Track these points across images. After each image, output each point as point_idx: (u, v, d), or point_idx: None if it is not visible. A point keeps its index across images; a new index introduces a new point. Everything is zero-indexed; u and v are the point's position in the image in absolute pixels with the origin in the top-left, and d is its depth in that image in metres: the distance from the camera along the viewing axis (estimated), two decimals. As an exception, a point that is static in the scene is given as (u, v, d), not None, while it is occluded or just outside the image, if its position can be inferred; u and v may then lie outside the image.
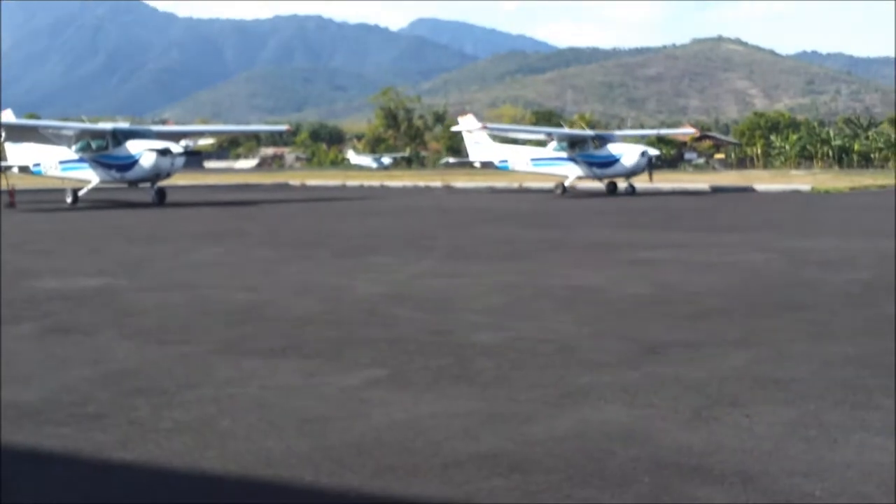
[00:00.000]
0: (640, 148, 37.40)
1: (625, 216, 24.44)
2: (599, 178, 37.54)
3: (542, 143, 40.26)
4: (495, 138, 42.64)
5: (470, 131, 43.22)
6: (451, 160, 46.54)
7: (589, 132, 41.97)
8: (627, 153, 35.95)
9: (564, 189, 36.42)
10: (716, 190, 39.32)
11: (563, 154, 37.64)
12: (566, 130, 42.29)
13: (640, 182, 37.09)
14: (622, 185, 37.28)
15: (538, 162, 39.61)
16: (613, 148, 36.54)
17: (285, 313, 8.94)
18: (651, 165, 35.91)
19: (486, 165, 43.35)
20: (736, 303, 9.43)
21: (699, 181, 44.91)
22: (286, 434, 5.02)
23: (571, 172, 37.16)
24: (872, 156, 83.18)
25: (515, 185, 46.10)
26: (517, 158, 41.01)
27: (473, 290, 10.42)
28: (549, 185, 43.16)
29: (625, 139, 40.10)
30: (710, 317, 8.60)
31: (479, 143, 42.96)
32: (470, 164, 45.92)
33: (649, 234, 18.58)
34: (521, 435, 4.99)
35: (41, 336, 7.91)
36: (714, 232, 18.95)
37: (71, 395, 5.88)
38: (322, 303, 9.58)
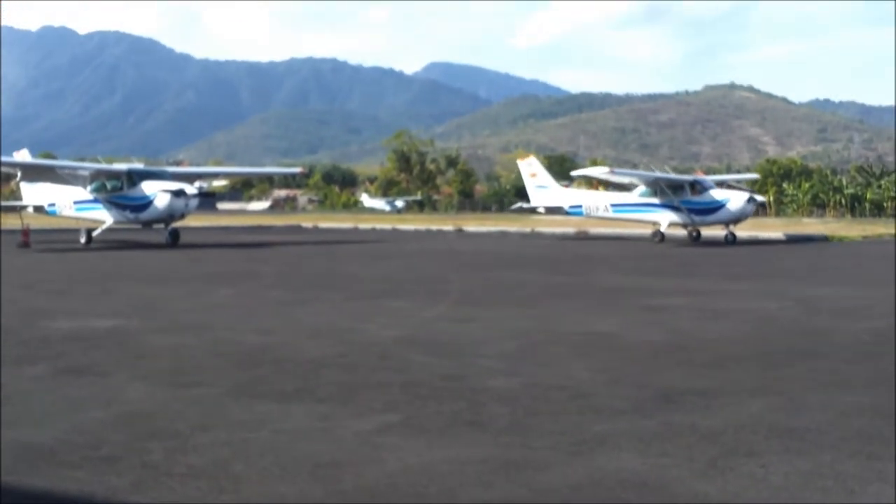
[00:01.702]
0: (747, 193, 36.17)
1: (633, 262, 24.41)
2: (698, 226, 35.97)
3: (625, 188, 38.77)
4: (556, 181, 41.47)
5: (534, 175, 41.81)
6: (524, 205, 43.78)
7: (687, 177, 40.17)
8: (734, 199, 34.74)
9: (663, 236, 35.16)
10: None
11: (654, 199, 36.24)
12: (671, 175, 39.85)
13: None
14: (720, 232, 35.54)
15: (620, 208, 38.15)
16: (718, 193, 35.38)
17: (298, 356, 8.94)
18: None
19: (553, 211, 41.61)
20: (750, 351, 9.39)
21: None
22: (300, 479, 5.00)
23: (664, 219, 35.79)
24: (885, 204, 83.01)
25: (528, 229, 46.15)
26: (594, 204, 39.35)
27: (487, 335, 10.41)
28: (568, 229, 43.32)
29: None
30: (725, 365, 8.56)
31: (545, 187, 41.43)
32: (532, 210, 43.76)
33: (660, 280, 18.54)
34: (536, 483, 4.96)
35: (55, 377, 7.92)
36: (739, 279, 18.90)
37: (84, 437, 5.88)
38: (335, 346, 9.58)
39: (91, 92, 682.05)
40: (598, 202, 39.44)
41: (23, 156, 36.44)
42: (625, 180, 38.01)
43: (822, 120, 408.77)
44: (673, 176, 40.10)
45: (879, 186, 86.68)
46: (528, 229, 46.18)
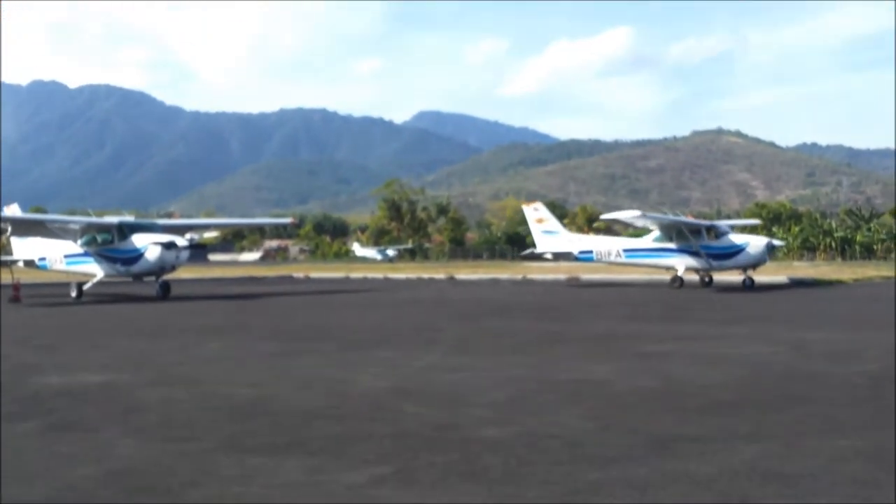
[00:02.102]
0: (765, 238, 36.31)
1: (628, 307, 24.43)
2: (716, 270, 35.99)
3: (637, 234, 39.19)
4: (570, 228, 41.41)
5: (540, 220, 41.39)
6: (533, 251, 42.97)
7: (704, 221, 40.27)
8: (753, 243, 34.83)
9: (682, 282, 35.09)
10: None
11: (669, 245, 36.16)
12: (695, 220, 39.80)
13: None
14: (737, 277, 35.57)
15: (634, 253, 38.05)
16: (736, 238, 35.44)
17: (289, 408, 8.89)
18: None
19: (561, 257, 41.37)
20: (743, 396, 9.38)
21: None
22: (291, 534, 4.95)
23: (681, 264, 35.78)
24: (875, 247, 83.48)
25: (519, 276, 46.24)
26: (606, 249, 39.11)
27: (479, 384, 10.37)
28: (560, 276, 43.33)
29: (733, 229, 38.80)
30: (718, 411, 8.55)
31: (553, 232, 41.15)
32: (539, 257, 43.58)
33: (652, 325, 18.55)
34: (530, 534, 4.92)
35: (45, 433, 7.85)
36: (725, 324, 18.92)
37: (74, 494, 5.83)
38: (326, 397, 9.53)
39: (81, 145, 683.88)
40: (609, 248, 39.15)
41: (13, 210, 36.44)
42: (653, 225, 37.56)
43: (810, 164, 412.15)
44: (693, 221, 40.04)
45: (869, 229, 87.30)
46: (519, 276, 46.28)
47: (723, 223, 40.02)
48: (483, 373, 11.39)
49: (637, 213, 38.10)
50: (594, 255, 39.12)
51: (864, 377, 10.69)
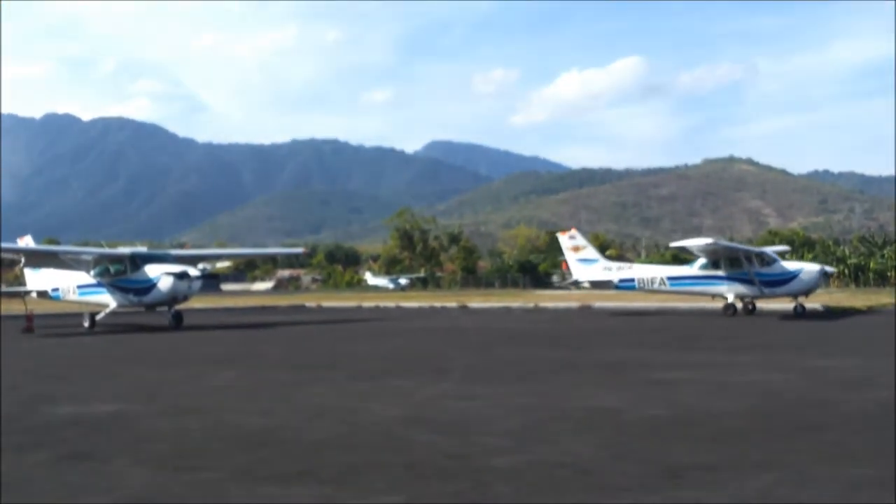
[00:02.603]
0: (818, 265, 35.87)
1: (637, 335, 24.33)
2: (768, 297, 35.31)
3: (685, 260, 38.52)
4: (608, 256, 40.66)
5: (577, 248, 40.45)
6: (570, 280, 42.14)
7: (753, 248, 39.52)
8: (806, 269, 34.54)
9: (735, 309, 34.51)
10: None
11: (717, 272, 35.60)
12: (760, 249, 38.78)
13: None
14: (788, 304, 34.65)
15: (678, 282, 37.40)
16: (789, 265, 35.03)
17: (301, 437, 8.89)
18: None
19: (599, 286, 40.49)
20: (755, 424, 9.32)
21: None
22: (302, 564, 4.93)
23: (731, 291, 35.12)
24: (889, 273, 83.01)
25: (531, 304, 46.17)
26: (649, 277, 38.39)
27: (491, 413, 10.34)
28: (572, 304, 43.21)
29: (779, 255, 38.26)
30: (729, 439, 8.49)
31: (591, 260, 40.16)
32: (575, 284, 42.62)
33: (663, 353, 18.47)
34: (541, 564, 4.89)
35: (57, 463, 7.86)
36: (732, 352, 18.82)
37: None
38: (338, 426, 9.52)
39: (95, 178, 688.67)
40: (653, 276, 38.50)
41: (26, 242, 36.70)
42: (723, 252, 36.49)
43: (822, 191, 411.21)
44: (755, 248, 39.59)
45: (882, 256, 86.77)
46: (531, 305, 46.18)
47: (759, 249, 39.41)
48: (495, 401, 11.35)
49: (709, 240, 37.31)
50: (636, 284, 38.41)
51: (877, 404, 10.60)
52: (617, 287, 39.37)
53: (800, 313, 33.36)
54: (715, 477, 6.87)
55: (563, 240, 41.42)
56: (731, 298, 34.92)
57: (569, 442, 8.45)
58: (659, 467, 7.22)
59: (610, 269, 39.91)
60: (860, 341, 21.49)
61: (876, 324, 28.24)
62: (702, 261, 36.53)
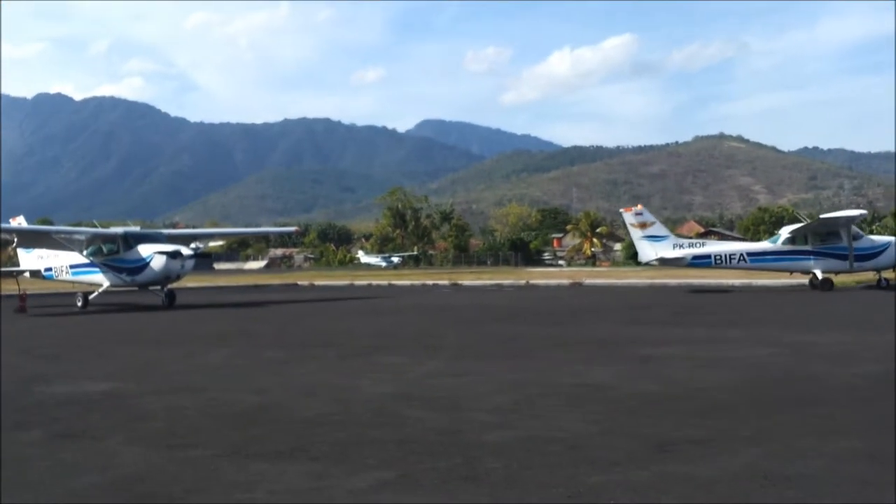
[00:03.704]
0: None
1: (628, 312, 24.42)
2: (856, 272, 34.97)
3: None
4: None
5: (643, 225, 38.76)
6: (640, 259, 40.04)
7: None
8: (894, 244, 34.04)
9: (831, 284, 33.98)
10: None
11: (804, 247, 35.12)
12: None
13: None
14: (867, 276, 34.51)
15: (760, 258, 36.58)
16: (877, 239, 34.66)
17: (293, 415, 8.93)
18: None
19: (669, 263, 39.08)
20: (743, 398, 9.40)
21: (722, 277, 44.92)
22: (294, 538, 4.98)
23: (819, 266, 34.72)
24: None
25: (522, 282, 46.27)
26: (726, 254, 37.35)
27: (482, 389, 10.41)
28: (563, 281, 43.25)
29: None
30: (718, 413, 8.57)
31: (660, 237, 38.59)
32: (644, 264, 41.08)
33: (653, 329, 18.55)
34: (530, 536, 4.95)
35: (50, 442, 7.90)
36: (720, 327, 18.92)
37: (79, 502, 5.88)
38: (330, 404, 9.57)
39: (87, 157, 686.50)
40: (732, 252, 37.51)
41: (19, 222, 36.61)
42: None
43: (811, 168, 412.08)
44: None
45: (871, 232, 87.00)
46: (523, 282, 46.30)
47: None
48: (486, 377, 11.42)
49: (863, 211, 37.28)
50: (712, 261, 37.39)
51: (864, 378, 10.70)
52: (689, 264, 38.33)
53: (884, 286, 33.33)
54: (703, 451, 6.93)
55: (628, 216, 39.80)
56: (819, 274, 34.49)
57: (558, 417, 8.52)
58: (648, 441, 7.30)
59: (681, 245, 38.59)
60: None
61: None
62: (786, 236, 36.01)
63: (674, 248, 38.10)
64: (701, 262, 37.62)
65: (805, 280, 36.09)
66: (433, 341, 16.78)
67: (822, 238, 35.00)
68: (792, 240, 35.52)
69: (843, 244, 34.25)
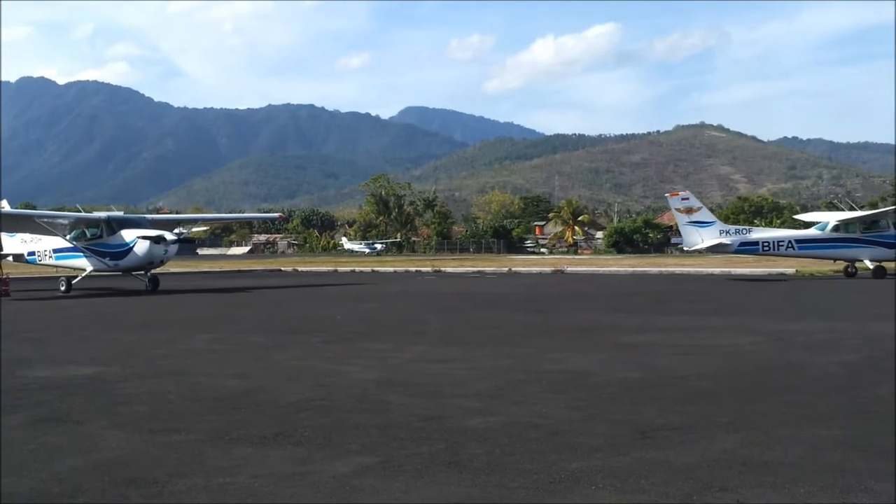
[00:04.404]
0: None
1: (610, 300, 24.54)
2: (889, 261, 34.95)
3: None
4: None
5: (689, 210, 38.08)
6: (681, 246, 39.69)
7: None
8: None
9: (872, 271, 34.16)
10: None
11: (852, 235, 35.19)
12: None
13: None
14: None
15: (808, 245, 36.52)
16: None
17: (277, 400, 8.95)
18: None
19: (715, 250, 38.54)
20: (723, 386, 9.49)
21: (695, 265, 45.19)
22: (278, 522, 5.01)
23: (867, 254, 34.88)
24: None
25: (505, 269, 46.35)
26: (774, 240, 37.10)
27: (465, 375, 10.45)
28: (545, 268, 43.32)
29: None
30: (698, 400, 8.65)
31: (706, 223, 37.96)
32: (687, 250, 40.32)
33: (635, 317, 18.63)
34: (512, 520, 4.99)
35: (33, 425, 7.89)
36: (701, 315, 19.04)
37: (62, 486, 5.87)
38: (313, 389, 9.59)
39: (70, 141, 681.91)
40: (779, 239, 37.35)
41: (2, 206, 36.36)
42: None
43: (791, 157, 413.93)
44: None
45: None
46: (505, 269, 46.37)
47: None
48: (469, 364, 11.47)
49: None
50: (759, 248, 37.11)
51: (843, 366, 10.81)
52: (735, 251, 38.00)
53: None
54: (683, 437, 7.00)
55: (674, 201, 39.11)
56: (868, 262, 34.59)
57: (541, 403, 8.58)
58: (628, 428, 7.36)
59: (727, 232, 38.05)
60: None
61: None
62: (834, 223, 35.97)
63: (720, 234, 37.56)
64: (748, 248, 37.24)
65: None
66: (416, 328, 16.83)
67: (868, 226, 35.11)
68: (839, 227, 35.51)
69: (890, 233, 34.45)
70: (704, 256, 41.19)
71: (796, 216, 38.47)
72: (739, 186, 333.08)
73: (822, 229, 36.80)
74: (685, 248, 40.15)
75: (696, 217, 37.92)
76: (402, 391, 9.38)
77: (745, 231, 38.73)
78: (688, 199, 38.39)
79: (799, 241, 36.84)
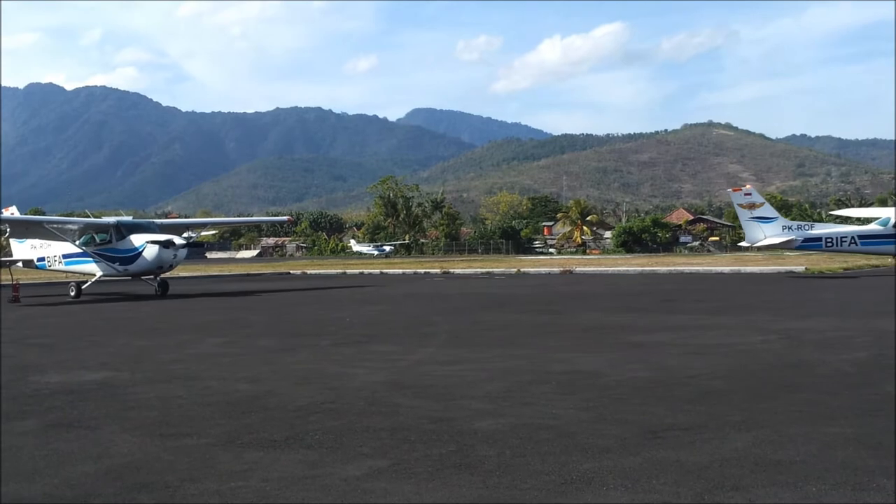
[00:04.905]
0: None
1: (619, 300, 24.49)
2: None
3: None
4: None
5: (752, 206, 37.57)
6: (758, 244, 37.98)
7: None
8: None
9: None
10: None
11: None
12: None
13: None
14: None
15: (872, 241, 36.11)
16: None
17: (287, 403, 8.96)
18: None
19: (779, 246, 38.14)
20: (734, 385, 9.47)
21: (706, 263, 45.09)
22: (289, 525, 5.01)
23: None
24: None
25: (513, 269, 46.32)
26: (838, 237, 36.51)
27: (474, 377, 10.45)
28: (554, 269, 43.22)
29: None
30: (708, 399, 8.63)
31: (769, 219, 37.31)
32: (741, 247, 40.32)
33: (644, 317, 18.60)
34: (523, 522, 4.98)
35: (44, 431, 7.91)
36: (711, 314, 18.99)
37: (74, 491, 5.89)
38: (323, 392, 9.60)
39: (79, 147, 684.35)
40: (843, 235, 36.73)
41: (11, 212, 36.55)
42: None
43: (799, 155, 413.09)
44: None
45: (858, 219, 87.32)
46: (513, 270, 46.33)
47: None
48: (478, 365, 11.46)
49: None
50: (822, 244, 36.71)
51: (853, 364, 10.77)
52: (798, 247, 37.60)
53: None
54: (694, 437, 6.98)
55: (737, 196, 38.61)
56: None
57: (550, 404, 8.57)
58: (638, 428, 7.35)
59: (789, 227, 37.61)
60: None
61: None
62: (891, 218, 35.49)
63: (783, 230, 37.05)
64: (811, 245, 36.77)
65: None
66: (425, 329, 16.82)
67: None
68: None
69: None
70: (763, 253, 40.65)
71: (832, 212, 37.82)
72: (748, 185, 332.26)
73: (885, 224, 36.12)
74: (746, 245, 39.65)
75: (758, 213, 37.34)
76: (412, 393, 9.37)
77: (807, 227, 38.08)
78: (750, 194, 37.86)
79: (862, 236, 36.26)
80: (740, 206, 37.89)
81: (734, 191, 39.20)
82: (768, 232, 36.92)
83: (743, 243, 40.67)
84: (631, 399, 8.77)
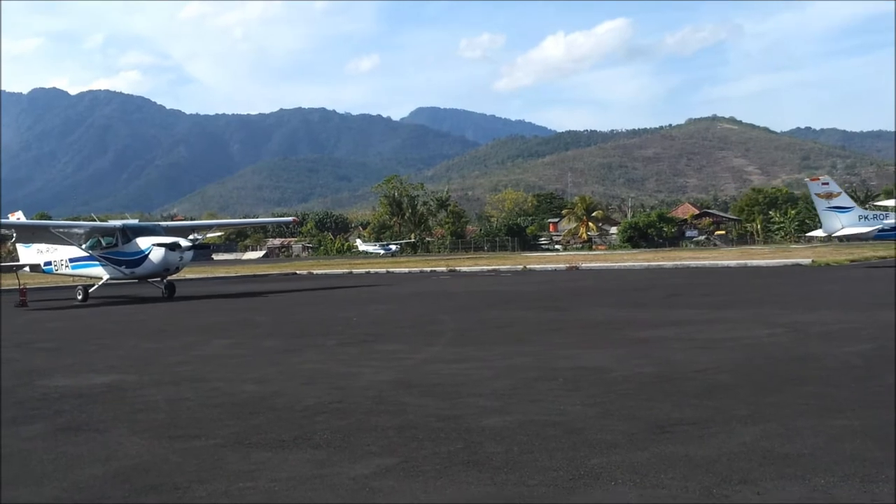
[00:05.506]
0: None
1: (625, 295, 24.47)
2: None
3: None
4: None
5: (829, 195, 36.92)
6: (835, 234, 37.50)
7: None
8: None
9: None
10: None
11: None
12: None
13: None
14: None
15: None
16: None
17: (294, 404, 8.97)
18: None
19: (855, 237, 37.58)
20: (740, 378, 9.46)
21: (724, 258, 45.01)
22: (298, 525, 5.02)
23: None
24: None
25: (519, 266, 46.31)
26: None
27: (481, 375, 10.45)
28: (560, 265, 43.20)
29: None
30: (715, 393, 8.63)
31: (846, 209, 36.70)
32: (815, 238, 39.15)
33: (650, 312, 18.58)
34: (531, 518, 4.99)
35: (53, 435, 7.94)
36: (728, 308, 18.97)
37: (83, 495, 5.91)
38: (330, 392, 9.61)
39: (83, 151, 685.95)
40: None
41: (17, 217, 36.66)
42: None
43: (804, 148, 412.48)
44: None
45: (866, 209, 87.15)
46: (520, 267, 46.32)
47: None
48: (485, 363, 11.46)
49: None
50: None
51: (860, 357, 10.76)
52: (876, 237, 37.09)
53: None
54: (701, 431, 6.98)
55: (814, 186, 37.92)
56: None
57: (557, 401, 8.57)
58: (646, 423, 7.35)
59: (866, 217, 37.06)
60: None
61: None
62: None
63: (860, 220, 36.59)
64: (889, 234, 36.16)
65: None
66: (432, 328, 16.83)
67: None
68: None
69: None
70: (832, 244, 39.93)
71: (877, 202, 37.21)
72: (753, 178, 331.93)
73: None
74: (823, 234, 38.93)
75: (835, 202, 36.89)
76: (419, 392, 9.38)
77: (882, 216, 37.42)
78: (828, 184, 37.35)
79: None
80: (818, 195, 37.36)
81: (812, 180, 38.55)
82: (845, 222, 36.46)
83: (815, 233, 40.14)
84: (638, 394, 8.76)
